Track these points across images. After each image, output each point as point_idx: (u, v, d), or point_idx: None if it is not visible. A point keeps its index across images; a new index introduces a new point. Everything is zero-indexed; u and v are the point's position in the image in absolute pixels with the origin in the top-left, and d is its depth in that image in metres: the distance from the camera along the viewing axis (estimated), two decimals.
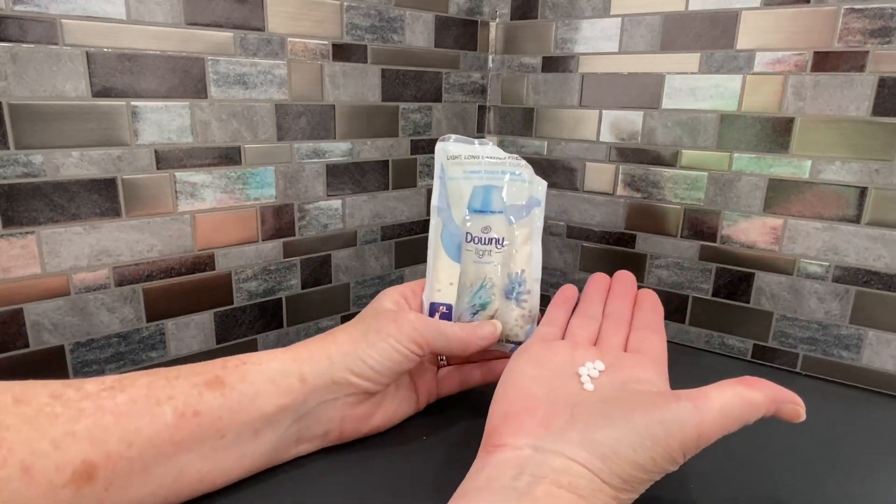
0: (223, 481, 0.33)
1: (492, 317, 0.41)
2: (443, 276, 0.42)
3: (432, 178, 0.64)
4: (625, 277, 0.43)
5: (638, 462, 0.27)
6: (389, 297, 0.41)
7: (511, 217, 0.42)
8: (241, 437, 0.33)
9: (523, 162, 0.43)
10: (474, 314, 0.41)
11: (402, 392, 0.41)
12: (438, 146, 0.43)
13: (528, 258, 0.42)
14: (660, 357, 0.35)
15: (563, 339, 0.38)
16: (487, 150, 0.43)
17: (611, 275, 0.44)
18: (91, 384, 0.31)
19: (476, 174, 0.42)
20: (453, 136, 0.43)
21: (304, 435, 0.36)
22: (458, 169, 0.42)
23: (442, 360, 0.44)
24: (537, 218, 0.42)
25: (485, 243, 0.41)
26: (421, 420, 0.42)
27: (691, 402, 0.28)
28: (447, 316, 0.41)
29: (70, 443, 0.28)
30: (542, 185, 0.43)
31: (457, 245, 0.42)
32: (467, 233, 0.42)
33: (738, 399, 0.28)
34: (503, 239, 0.41)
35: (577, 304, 0.42)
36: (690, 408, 0.28)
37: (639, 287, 0.42)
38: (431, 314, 0.41)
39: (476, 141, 0.43)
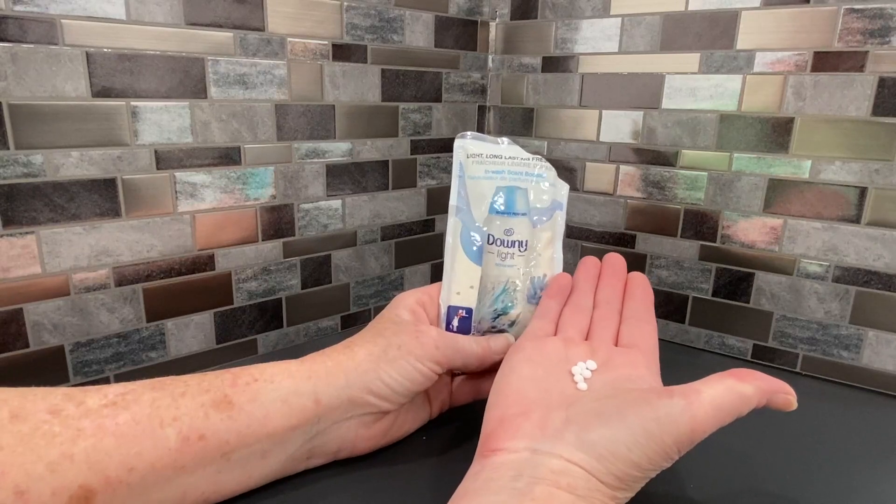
0: (228, 498, 0.33)
1: (514, 321, 0.40)
2: (462, 279, 0.40)
3: (432, 178, 0.65)
4: (614, 260, 0.41)
5: (633, 460, 0.27)
6: (405, 306, 0.39)
7: (534, 220, 0.41)
8: (248, 459, 0.32)
9: (547, 163, 0.42)
10: (495, 318, 0.40)
11: (417, 405, 0.40)
12: (457, 143, 0.41)
13: (550, 262, 0.41)
14: (651, 350, 0.35)
15: (555, 331, 0.37)
16: (510, 149, 0.42)
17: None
18: (93, 397, 0.30)
19: (499, 174, 0.41)
20: (470, 133, 0.42)
21: (316, 452, 0.35)
22: (480, 168, 0.41)
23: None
24: (560, 221, 0.42)
25: (507, 246, 0.40)
26: None
27: (683, 398, 0.28)
28: (467, 320, 0.40)
29: (67, 466, 0.27)
30: (564, 187, 0.42)
31: (477, 247, 0.40)
32: (489, 234, 0.40)
33: (729, 392, 0.28)
34: (526, 242, 0.40)
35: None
36: (683, 404, 0.28)
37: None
38: (450, 318, 0.40)
39: (498, 139, 0.42)
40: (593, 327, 0.37)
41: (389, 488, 0.35)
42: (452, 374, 0.43)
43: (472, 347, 0.38)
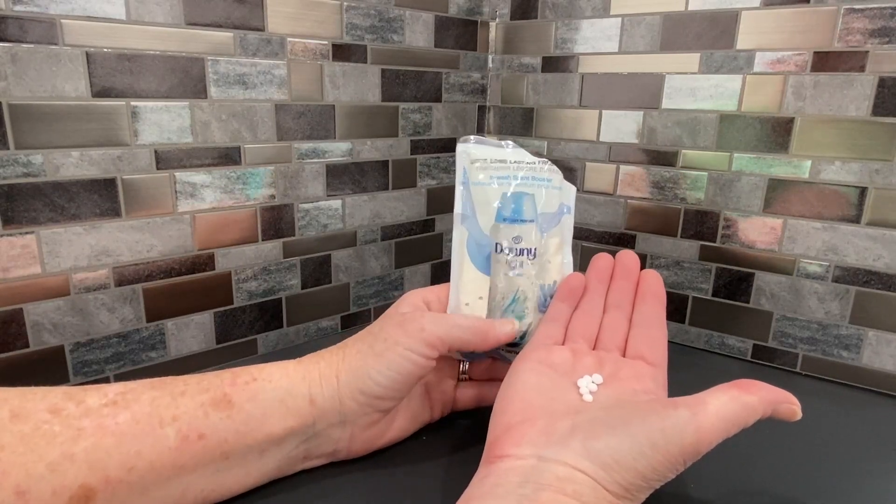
0: (227, 497, 0.33)
1: (525, 332, 0.39)
2: (471, 290, 0.39)
3: (432, 178, 0.65)
4: (627, 260, 0.40)
5: (638, 470, 0.27)
6: (409, 302, 0.38)
7: (542, 226, 0.39)
8: (246, 458, 0.32)
9: (553, 166, 0.41)
10: None
11: (416, 407, 0.39)
12: (460, 148, 0.40)
13: (560, 268, 0.40)
14: (659, 361, 0.35)
15: (564, 336, 0.37)
16: (515, 153, 0.40)
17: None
18: (93, 396, 0.30)
19: (504, 180, 0.39)
20: (473, 138, 0.40)
21: (312, 453, 0.35)
22: (484, 174, 0.39)
23: (463, 374, 0.42)
24: (567, 225, 0.40)
25: (516, 254, 0.38)
26: None
27: (689, 409, 0.28)
28: None
29: (68, 466, 0.27)
30: (571, 190, 0.41)
31: (485, 256, 0.39)
32: (497, 243, 0.39)
33: (734, 403, 0.28)
34: (535, 249, 0.39)
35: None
36: (688, 415, 0.28)
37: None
38: None
39: (502, 142, 0.41)
40: (602, 334, 0.37)
41: (389, 488, 0.35)
42: (459, 377, 0.42)
43: (471, 321, 0.37)
